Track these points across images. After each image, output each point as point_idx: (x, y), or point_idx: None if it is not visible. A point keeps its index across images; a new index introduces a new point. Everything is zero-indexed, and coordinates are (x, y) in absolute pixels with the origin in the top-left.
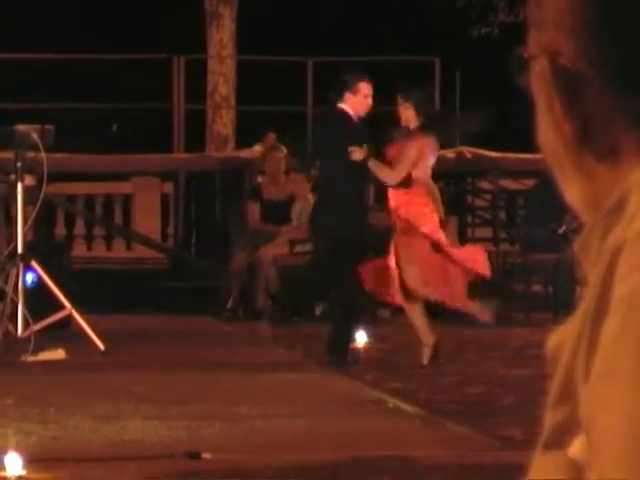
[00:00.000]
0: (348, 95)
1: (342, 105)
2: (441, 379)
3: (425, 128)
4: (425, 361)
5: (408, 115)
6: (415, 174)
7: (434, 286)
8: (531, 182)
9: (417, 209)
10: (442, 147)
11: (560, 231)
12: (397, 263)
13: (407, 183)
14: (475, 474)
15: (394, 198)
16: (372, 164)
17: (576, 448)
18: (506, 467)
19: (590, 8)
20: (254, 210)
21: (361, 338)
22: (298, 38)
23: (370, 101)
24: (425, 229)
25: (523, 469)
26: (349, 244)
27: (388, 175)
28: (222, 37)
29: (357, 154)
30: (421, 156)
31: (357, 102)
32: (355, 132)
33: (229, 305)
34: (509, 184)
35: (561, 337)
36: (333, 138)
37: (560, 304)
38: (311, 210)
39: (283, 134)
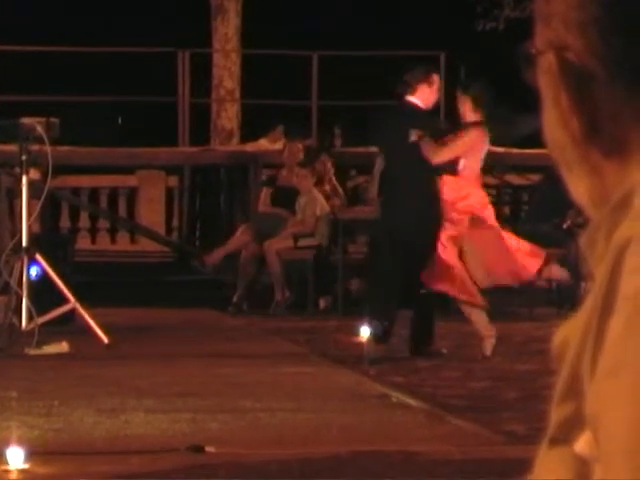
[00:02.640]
0: (422, 87)
1: (411, 98)
2: (445, 373)
3: (482, 123)
4: (488, 352)
5: (465, 109)
6: (467, 164)
7: (498, 273)
8: (536, 177)
9: (479, 201)
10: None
11: (564, 226)
12: (461, 257)
13: (456, 172)
14: (478, 469)
15: (450, 191)
16: (423, 142)
17: (582, 444)
18: (509, 462)
19: (597, 4)
20: (266, 195)
21: (365, 333)
22: (303, 32)
23: (438, 93)
24: (491, 221)
25: (526, 464)
26: (422, 239)
27: (434, 152)
28: (227, 31)
29: (413, 135)
30: (475, 147)
31: (430, 93)
32: (426, 123)
33: (235, 299)
34: (514, 179)
35: (567, 333)
36: (404, 131)
37: (564, 299)
38: (381, 208)
39: (288, 128)
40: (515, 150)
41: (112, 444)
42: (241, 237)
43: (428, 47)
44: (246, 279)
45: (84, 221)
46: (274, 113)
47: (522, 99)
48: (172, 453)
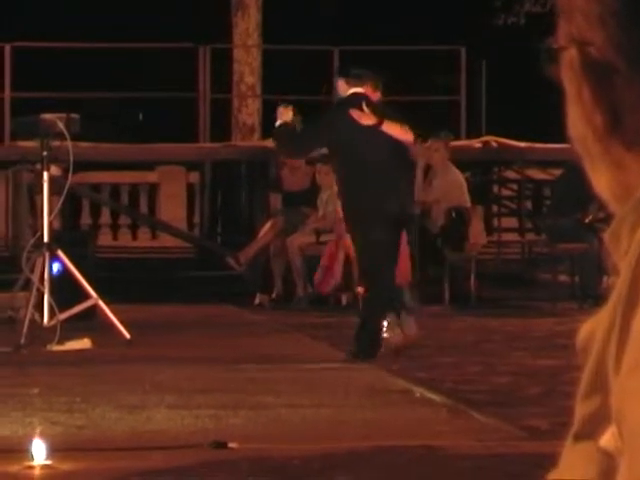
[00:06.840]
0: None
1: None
2: (467, 369)
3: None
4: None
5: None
6: None
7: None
8: (557, 172)
9: None
10: (468, 137)
11: (586, 221)
12: None
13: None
14: (500, 464)
15: None
16: (386, 125)
17: (607, 438)
18: (531, 457)
19: None
20: (276, 200)
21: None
22: (324, 27)
23: None
24: None
25: (548, 459)
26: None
27: (407, 131)
28: (248, 26)
29: (365, 117)
30: None
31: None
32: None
33: (274, 295)
34: (535, 174)
35: (592, 328)
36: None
37: (586, 294)
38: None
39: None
40: (537, 145)
41: (134, 440)
42: (270, 232)
43: (448, 42)
44: (280, 273)
45: (105, 217)
46: (295, 108)
47: (542, 94)
48: (194, 449)
